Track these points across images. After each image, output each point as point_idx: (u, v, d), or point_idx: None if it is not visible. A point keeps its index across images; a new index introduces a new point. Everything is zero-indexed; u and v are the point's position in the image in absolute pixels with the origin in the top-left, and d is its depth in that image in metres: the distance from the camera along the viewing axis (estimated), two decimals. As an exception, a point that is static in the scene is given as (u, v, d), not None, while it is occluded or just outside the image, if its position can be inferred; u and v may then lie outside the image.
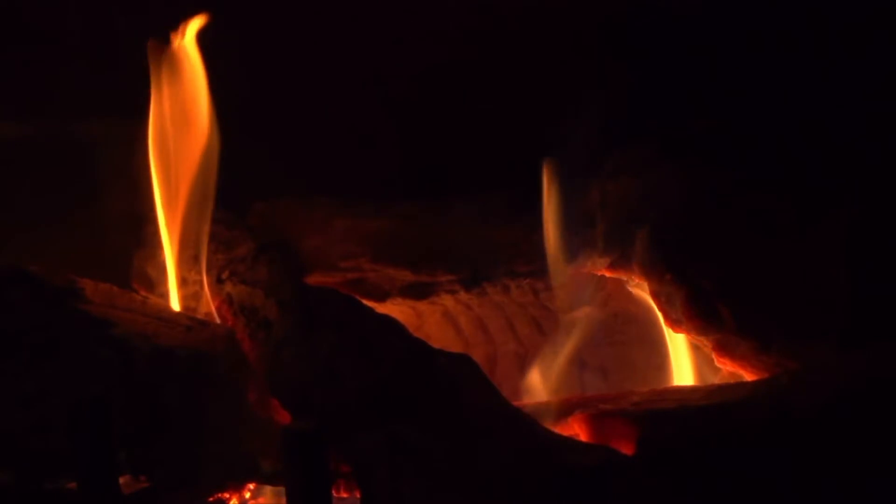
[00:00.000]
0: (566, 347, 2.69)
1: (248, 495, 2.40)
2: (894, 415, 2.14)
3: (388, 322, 2.37)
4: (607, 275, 2.74)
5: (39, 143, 3.07)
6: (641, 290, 2.72)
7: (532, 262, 2.75)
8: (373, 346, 2.30)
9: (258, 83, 2.97)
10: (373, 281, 2.78)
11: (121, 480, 2.18)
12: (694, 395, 2.39)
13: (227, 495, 2.36)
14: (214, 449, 2.30)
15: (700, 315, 2.56)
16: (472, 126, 3.02)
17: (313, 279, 2.72)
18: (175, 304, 2.68)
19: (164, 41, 2.67)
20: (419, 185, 3.02)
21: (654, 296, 2.64)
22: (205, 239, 2.66)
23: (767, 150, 2.67)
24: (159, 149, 2.67)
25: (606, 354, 2.82)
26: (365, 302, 2.47)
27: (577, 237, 2.71)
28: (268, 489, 2.40)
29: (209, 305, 2.66)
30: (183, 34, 2.66)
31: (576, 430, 2.33)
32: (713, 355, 2.59)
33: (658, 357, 2.72)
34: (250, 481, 2.37)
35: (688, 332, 2.59)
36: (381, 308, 2.55)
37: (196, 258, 2.67)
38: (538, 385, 2.67)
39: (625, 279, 2.73)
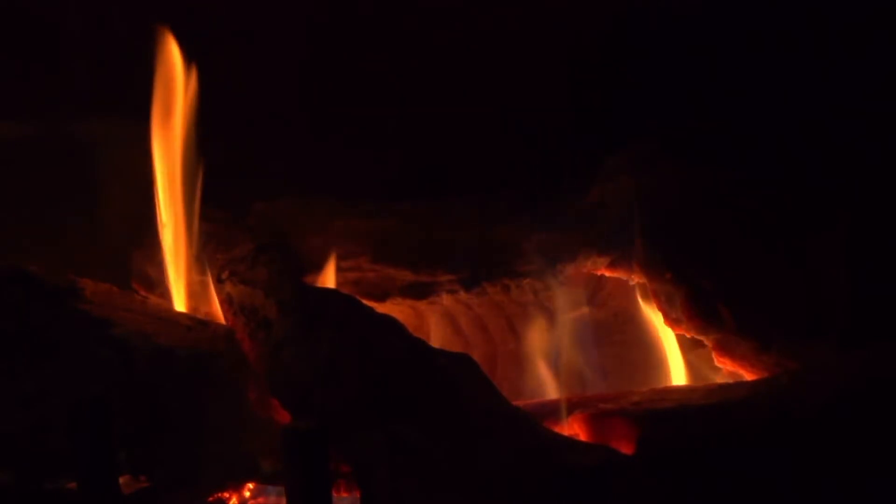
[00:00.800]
0: (567, 347, 2.69)
1: (248, 495, 2.40)
2: (894, 415, 2.14)
3: (388, 322, 2.37)
4: (607, 274, 2.74)
5: (39, 143, 3.07)
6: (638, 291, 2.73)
7: (532, 262, 2.75)
8: (373, 345, 2.30)
9: (258, 83, 2.97)
10: (373, 281, 2.78)
11: (121, 480, 2.18)
12: (694, 394, 2.39)
13: (227, 495, 2.36)
14: (214, 449, 2.30)
15: (700, 315, 2.56)
16: (472, 126, 3.02)
17: (313, 279, 2.72)
18: (175, 305, 2.67)
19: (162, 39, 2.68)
20: (419, 185, 3.02)
21: (654, 295, 2.64)
22: (203, 238, 2.66)
23: (767, 150, 2.67)
24: (162, 148, 2.67)
25: (606, 354, 2.81)
26: (365, 302, 2.46)
27: (577, 237, 2.71)
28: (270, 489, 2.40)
29: (209, 305, 2.66)
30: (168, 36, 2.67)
31: (576, 429, 2.33)
32: (713, 355, 2.59)
33: (657, 357, 2.72)
34: (250, 481, 2.37)
35: (687, 331, 2.59)
36: (381, 308, 2.55)
37: (196, 258, 2.67)
38: (539, 384, 2.67)
39: (625, 278, 2.73)
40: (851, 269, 2.51)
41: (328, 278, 2.69)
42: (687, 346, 2.71)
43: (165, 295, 2.69)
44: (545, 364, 2.70)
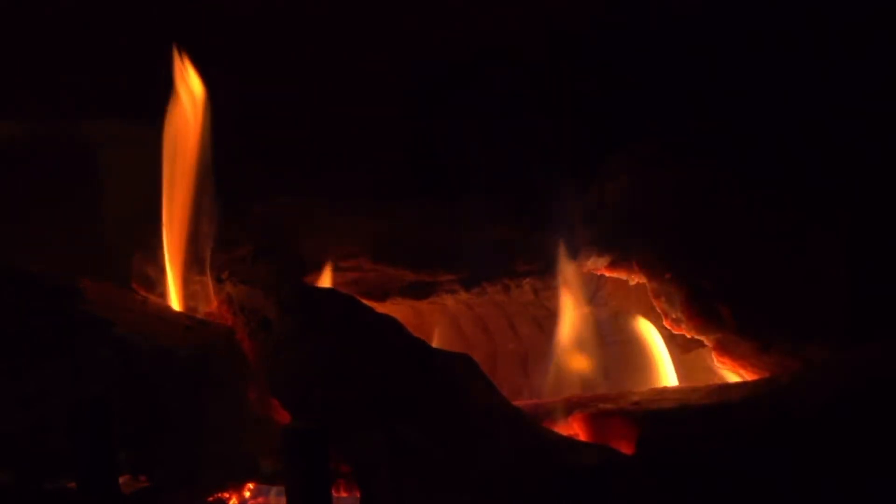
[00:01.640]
0: (566, 347, 2.69)
1: (248, 495, 2.40)
2: (894, 415, 2.14)
3: (388, 322, 2.37)
4: (607, 274, 2.74)
5: (39, 143, 3.07)
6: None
7: (532, 262, 2.75)
8: (373, 345, 2.30)
9: (259, 83, 2.97)
10: (373, 281, 2.78)
11: (121, 480, 2.18)
12: (694, 394, 2.38)
13: (227, 495, 2.36)
14: (214, 449, 2.30)
15: (700, 314, 2.56)
16: (472, 126, 3.02)
17: (313, 279, 2.72)
18: (175, 305, 2.68)
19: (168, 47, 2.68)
20: (419, 186, 3.02)
21: (654, 295, 2.64)
22: (206, 239, 2.66)
23: (767, 150, 2.67)
24: (170, 149, 2.67)
25: (606, 354, 2.81)
26: (365, 302, 2.47)
27: (578, 236, 2.71)
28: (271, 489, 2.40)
29: (209, 305, 2.66)
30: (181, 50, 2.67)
31: (576, 429, 2.33)
32: (713, 355, 2.59)
33: (657, 356, 2.72)
34: (250, 481, 2.37)
35: (688, 331, 2.59)
36: (381, 308, 2.55)
37: (197, 258, 2.67)
38: (539, 384, 2.67)
39: (625, 278, 2.73)
40: (851, 268, 2.51)
41: (324, 283, 2.69)
42: (686, 346, 2.71)
43: (165, 295, 2.69)
44: (546, 364, 2.70)
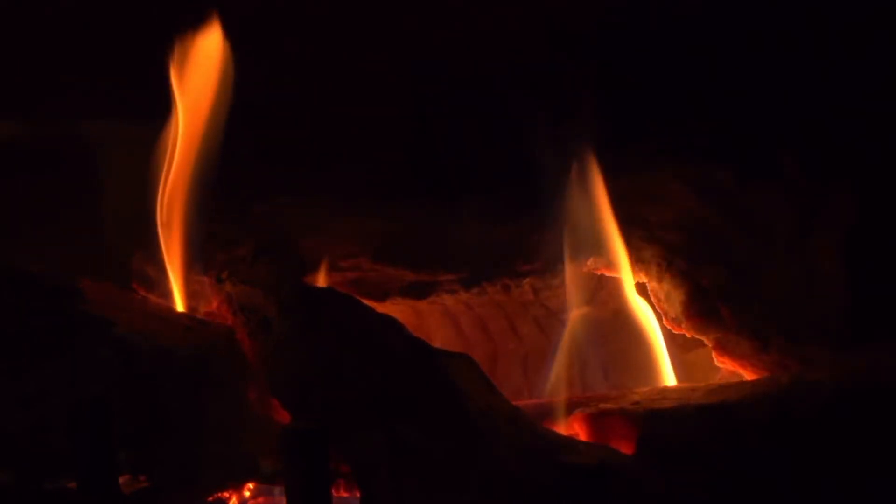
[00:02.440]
0: (566, 347, 2.69)
1: (248, 495, 2.40)
2: (894, 415, 2.14)
3: (388, 321, 2.37)
4: (607, 274, 2.74)
5: (39, 143, 3.07)
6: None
7: (532, 261, 2.75)
8: (373, 345, 2.30)
9: (259, 83, 2.96)
10: (373, 281, 2.78)
11: (121, 480, 2.18)
12: (694, 394, 2.39)
13: (227, 495, 2.36)
14: (214, 449, 2.30)
15: (700, 314, 2.56)
16: (472, 126, 3.02)
17: (313, 279, 2.72)
18: (175, 305, 2.68)
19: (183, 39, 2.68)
20: (419, 185, 3.02)
21: (654, 295, 2.64)
22: (203, 238, 2.66)
23: (767, 150, 2.67)
24: (172, 149, 2.67)
25: (606, 354, 2.81)
26: (365, 302, 2.46)
27: (578, 236, 2.71)
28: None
29: (209, 305, 2.66)
30: (199, 33, 2.67)
31: (576, 429, 2.33)
32: (713, 355, 2.59)
33: (657, 356, 2.72)
34: (250, 481, 2.37)
35: (688, 331, 2.59)
36: (381, 308, 2.54)
37: (196, 258, 2.67)
38: (540, 384, 2.67)
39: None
40: (851, 269, 2.51)
41: (323, 282, 2.70)
42: (686, 346, 2.71)
43: (165, 295, 2.69)
44: (546, 363, 2.70)
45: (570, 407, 2.39)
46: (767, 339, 2.52)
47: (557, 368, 2.64)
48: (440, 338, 2.82)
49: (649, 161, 2.75)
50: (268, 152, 2.95)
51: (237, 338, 2.52)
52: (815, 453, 2.12)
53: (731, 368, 2.58)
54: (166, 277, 2.69)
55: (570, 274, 2.69)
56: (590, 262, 2.71)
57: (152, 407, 2.29)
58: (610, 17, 2.96)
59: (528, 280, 2.76)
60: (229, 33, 2.72)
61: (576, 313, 2.72)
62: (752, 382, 2.42)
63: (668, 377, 2.65)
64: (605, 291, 2.85)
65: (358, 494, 2.23)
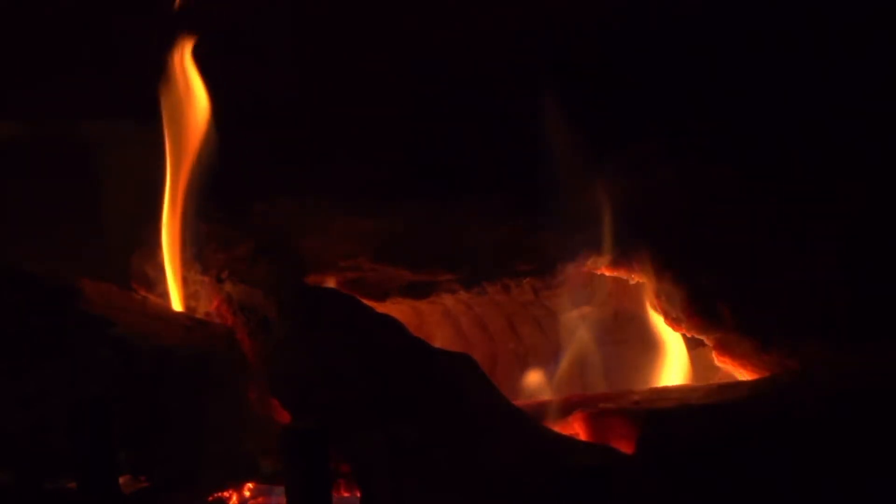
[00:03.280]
0: (567, 347, 2.69)
1: (248, 495, 2.40)
2: (894, 415, 2.14)
3: (388, 321, 2.37)
4: (607, 274, 2.74)
5: (39, 143, 3.07)
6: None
7: (532, 261, 2.75)
8: (373, 345, 2.30)
9: (258, 83, 2.97)
10: (373, 281, 2.78)
11: (121, 480, 2.18)
12: (694, 394, 2.39)
13: (227, 495, 2.36)
14: (214, 449, 2.30)
15: (700, 314, 2.57)
16: (472, 126, 3.02)
17: (313, 279, 2.72)
18: (175, 305, 2.67)
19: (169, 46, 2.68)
20: (419, 185, 3.01)
21: (654, 295, 2.64)
22: (203, 238, 2.66)
23: (767, 150, 2.67)
24: (171, 149, 2.68)
25: (606, 354, 2.81)
26: (365, 302, 2.47)
27: (577, 237, 2.71)
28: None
29: (209, 305, 2.66)
30: (181, 50, 2.68)
31: (576, 429, 2.33)
32: (713, 354, 2.59)
33: (657, 356, 2.72)
34: (250, 481, 2.37)
35: (688, 331, 2.60)
36: (381, 308, 2.55)
37: (196, 257, 2.67)
38: (540, 384, 2.67)
39: (625, 278, 2.73)
40: (851, 268, 2.51)
41: (323, 282, 2.70)
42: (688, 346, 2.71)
43: (165, 295, 2.69)
44: (546, 363, 2.70)
45: (570, 407, 2.39)
46: (767, 338, 2.52)
47: (563, 368, 2.64)
48: (440, 338, 2.82)
49: (649, 161, 2.75)
50: (267, 152, 2.94)
51: (237, 338, 2.51)
52: (815, 453, 2.12)
53: (732, 368, 2.58)
54: (166, 277, 2.69)
55: (571, 274, 2.70)
56: (590, 262, 2.72)
57: (152, 407, 2.29)
58: (610, 17, 2.96)
59: (528, 280, 2.76)
60: (230, 33, 2.72)
61: (576, 313, 2.73)
62: (752, 382, 2.42)
63: (678, 377, 2.66)
64: (604, 291, 2.85)
65: (358, 494, 2.23)
